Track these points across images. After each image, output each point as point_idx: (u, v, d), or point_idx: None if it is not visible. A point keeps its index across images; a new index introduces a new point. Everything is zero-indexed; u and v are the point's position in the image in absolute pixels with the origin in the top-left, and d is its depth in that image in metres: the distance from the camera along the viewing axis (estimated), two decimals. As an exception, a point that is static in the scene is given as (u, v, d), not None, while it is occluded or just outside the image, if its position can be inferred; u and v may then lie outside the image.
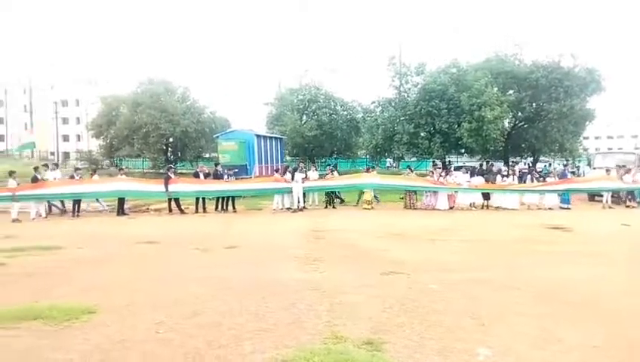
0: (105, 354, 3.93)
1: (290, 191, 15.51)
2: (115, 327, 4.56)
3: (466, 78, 23.58)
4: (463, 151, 26.94)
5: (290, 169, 16.87)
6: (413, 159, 29.50)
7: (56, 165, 18.59)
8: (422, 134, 25.10)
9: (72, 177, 15.40)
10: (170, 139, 32.94)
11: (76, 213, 14.21)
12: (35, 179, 14.31)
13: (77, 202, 14.37)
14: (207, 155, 35.95)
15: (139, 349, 4.02)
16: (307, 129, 30.46)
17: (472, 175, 16.86)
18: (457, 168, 20.09)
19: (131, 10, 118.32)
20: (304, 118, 32.91)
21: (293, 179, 15.43)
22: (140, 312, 5.05)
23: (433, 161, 25.59)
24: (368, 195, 16.03)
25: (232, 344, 4.11)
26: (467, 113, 22.42)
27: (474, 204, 16.19)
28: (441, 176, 16.60)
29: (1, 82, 63.37)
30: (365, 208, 15.76)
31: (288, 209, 15.60)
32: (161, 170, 33.42)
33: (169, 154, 34.47)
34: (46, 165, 16.42)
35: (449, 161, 29.04)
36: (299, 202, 15.42)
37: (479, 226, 12.51)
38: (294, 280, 6.38)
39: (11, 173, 14.00)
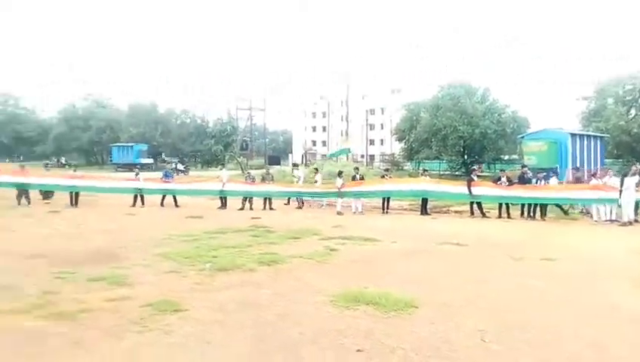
0: (434, 350, 3.99)
1: (615, 200, 12.93)
2: (440, 326, 4.61)
3: None
4: None
5: (610, 173, 14.23)
6: None
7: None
8: None
9: (382, 177, 17.27)
10: (468, 141, 32.76)
11: (386, 210, 15.68)
12: (353, 178, 16.68)
13: (387, 200, 15.87)
14: (506, 157, 34.24)
15: (466, 355, 3.92)
16: (637, 125, 25.03)
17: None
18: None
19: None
20: (632, 111, 27.19)
21: (622, 186, 12.78)
22: (459, 313, 5.00)
23: None
24: None
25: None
26: None
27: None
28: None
29: (326, 96, 77.76)
30: None
31: (613, 221, 13.06)
32: (457, 173, 33.93)
33: (466, 156, 34.41)
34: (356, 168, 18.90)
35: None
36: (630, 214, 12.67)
37: None
38: (629, 308, 5.18)
39: (340, 173, 16.69)
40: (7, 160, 65.30)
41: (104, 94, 65.53)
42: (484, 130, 30.76)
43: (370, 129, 69.39)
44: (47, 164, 38.24)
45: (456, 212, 16.19)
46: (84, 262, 7.28)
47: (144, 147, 50.99)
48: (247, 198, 16.19)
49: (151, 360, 3.87)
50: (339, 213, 15.03)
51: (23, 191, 15.54)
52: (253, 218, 13.26)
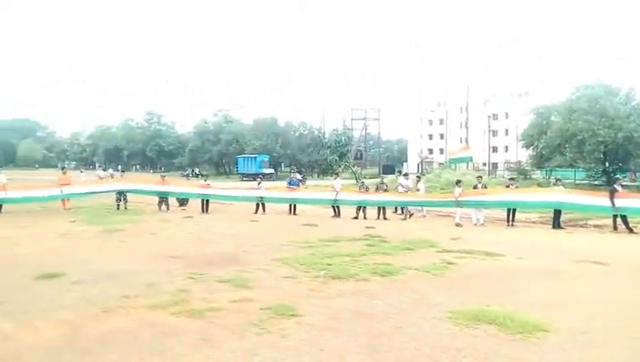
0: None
1: None
2: (573, 355, 4.09)
3: None
4: None
5: None
6: None
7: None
8: None
9: (507, 186, 16.09)
10: (610, 146, 29.01)
11: (511, 222, 14.52)
12: (474, 188, 15.76)
13: (512, 211, 14.70)
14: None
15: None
16: None
17: None
18: None
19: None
20: None
21: None
22: (597, 343, 4.40)
23: None
24: None
25: None
26: None
27: None
28: None
29: (444, 102, 75.12)
30: None
31: None
32: (596, 182, 30.20)
33: (607, 163, 30.52)
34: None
35: None
36: None
37: None
38: None
39: (458, 182, 15.92)
40: (150, 171, 74.47)
41: (232, 110, 71.44)
42: (630, 134, 26.99)
43: (493, 135, 65.38)
44: (188, 174, 42.65)
45: (595, 226, 14.39)
46: (212, 264, 7.90)
47: (266, 158, 54.26)
48: (362, 207, 16.24)
49: (268, 362, 4.01)
50: (457, 225, 14.31)
51: (163, 198, 17.50)
52: (367, 227, 13.24)
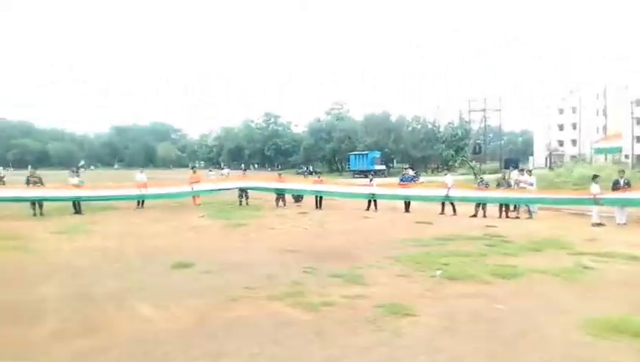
0: None
1: None
2: None
3: None
4: None
5: None
6: None
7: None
8: None
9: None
10: None
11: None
12: (615, 183, 13.79)
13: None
14: None
15: None
16: None
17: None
18: None
19: None
20: None
21: None
22: None
23: None
24: None
25: None
26: None
27: None
28: None
29: (577, 89, 67.40)
30: None
31: None
32: None
33: None
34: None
35: None
36: None
37: None
38: None
39: (595, 177, 14.14)
40: (269, 169, 78.86)
41: (344, 108, 72.43)
42: None
43: (637, 123, 57.31)
44: (304, 172, 44.38)
45: None
46: (326, 259, 8.05)
47: (377, 154, 54.07)
48: (480, 205, 15.31)
49: (383, 360, 3.94)
50: (595, 225, 12.75)
51: (280, 195, 18.36)
52: (487, 226, 12.43)
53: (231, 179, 21.95)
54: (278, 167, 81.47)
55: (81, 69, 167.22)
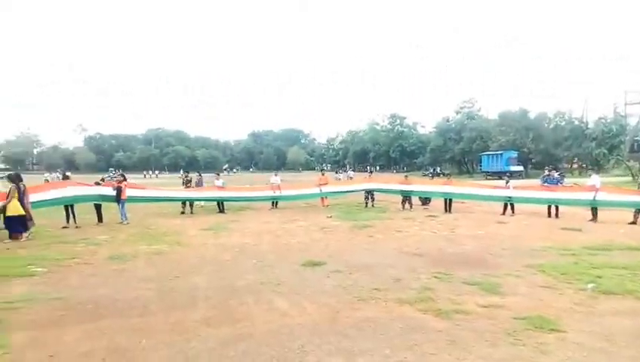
0: None
1: None
2: None
3: None
4: None
5: None
6: None
7: None
8: None
9: None
10: None
11: None
12: None
13: None
14: None
15: None
16: None
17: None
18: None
19: None
20: None
21: None
22: None
23: None
24: None
25: None
26: None
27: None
28: None
29: None
30: None
31: None
32: None
33: None
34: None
35: None
36: None
37: None
38: None
39: None
40: (394, 171, 78.19)
41: (475, 106, 68.60)
42: None
43: None
44: (430, 173, 43.21)
45: None
46: (457, 265, 7.69)
47: (513, 154, 50.18)
48: (641, 210, 13.25)
49: (525, 379, 3.61)
50: None
51: (406, 197, 18.07)
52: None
53: (357, 181, 22.26)
54: (403, 168, 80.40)
55: (226, 86, 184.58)
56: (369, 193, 18.75)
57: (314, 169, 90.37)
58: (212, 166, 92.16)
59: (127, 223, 13.60)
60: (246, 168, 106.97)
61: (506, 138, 53.78)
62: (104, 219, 13.98)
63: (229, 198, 18.01)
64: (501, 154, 50.65)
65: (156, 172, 78.03)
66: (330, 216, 15.19)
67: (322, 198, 19.01)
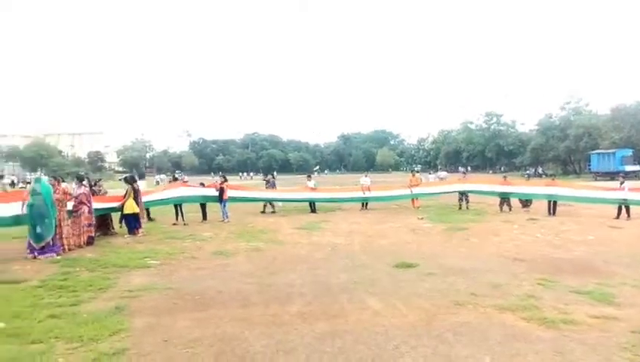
0: None
1: None
2: None
3: None
4: None
5: None
6: None
7: None
8: None
9: None
10: None
11: None
12: None
13: None
14: None
15: None
16: None
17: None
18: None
19: None
20: None
21: None
22: None
23: None
24: None
25: None
26: None
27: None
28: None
29: None
30: None
31: None
32: None
33: None
34: None
35: None
36: None
37: None
38: None
39: None
40: (489, 171, 74.20)
41: (581, 101, 62.82)
42: None
43: None
44: (530, 174, 40.44)
45: None
46: (563, 272, 7.14)
47: (628, 152, 45.12)
48: None
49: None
50: None
51: (504, 199, 17.09)
52: None
53: (450, 182, 21.51)
54: (500, 169, 76.01)
55: (316, 90, 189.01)
56: (463, 194, 18.04)
57: (403, 170, 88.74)
58: (303, 168, 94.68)
59: (228, 221, 14.51)
60: (335, 170, 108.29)
61: (620, 135, 48.49)
62: (208, 217, 15.04)
63: (321, 199, 18.41)
64: (614, 152, 45.75)
65: (251, 174, 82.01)
66: (422, 218, 14.87)
67: (413, 200, 18.67)
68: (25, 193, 9.32)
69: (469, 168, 74.11)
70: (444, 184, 21.58)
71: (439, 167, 75.60)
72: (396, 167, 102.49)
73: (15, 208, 8.90)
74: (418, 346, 4.23)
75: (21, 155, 79.64)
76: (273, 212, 17.45)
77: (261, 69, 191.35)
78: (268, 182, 20.02)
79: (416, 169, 38.21)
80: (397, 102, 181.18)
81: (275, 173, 22.27)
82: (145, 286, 6.55)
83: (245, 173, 79.77)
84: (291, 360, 4.01)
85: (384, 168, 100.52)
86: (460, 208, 17.63)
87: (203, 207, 15.27)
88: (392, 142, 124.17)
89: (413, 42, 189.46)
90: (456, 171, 46.46)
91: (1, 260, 8.36)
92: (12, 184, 38.63)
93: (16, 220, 9.04)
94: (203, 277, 7.24)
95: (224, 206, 15.04)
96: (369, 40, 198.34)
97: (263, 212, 17.45)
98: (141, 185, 16.88)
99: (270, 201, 17.88)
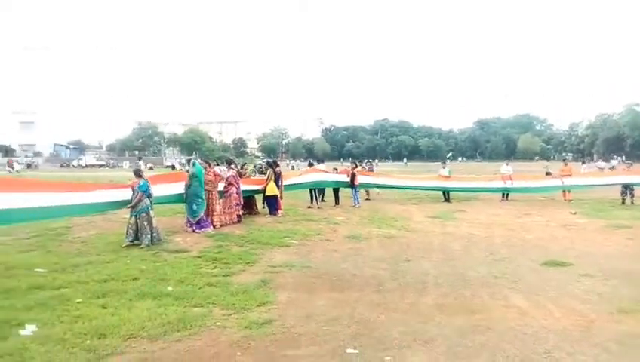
0: None
1: None
2: None
3: None
4: None
5: None
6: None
7: None
8: None
9: None
10: None
11: None
12: None
13: None
14: None
15: None
16: None
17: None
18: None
19: None
20: None
21: None
22: None
23: None
24: None
25: None
26: None
27: None
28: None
29: None
30: None
31: None
32: None
33: None
34: None
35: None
36: None
37: None
38: None
39: None
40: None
41: None
42: None
43: None
44: None
45: None
46: None
47: None
48: None
49: None
50: None
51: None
52: None
53: (609, 174, 18.84)
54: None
55: (450, 75, 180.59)
56: (627, 188, 15.66)
57: (550, 158, 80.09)
58: (434, 155, 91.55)
59: (359, 207, 14.72)
60: (470, 157, 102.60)
61: None
62: (340, 202, 15.44)
63: (456, 188, 17.60)
64: None
65: (376, 160, 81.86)
66: (575, 213, 13.30)
67: (564, 192, 16.80)
68: (185, 175, 10.55)
69: (623, 157, 64.02)
70: (602, 175, 18.98)
71: (596, 156, 66.59)
72: (543, 155, 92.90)
73: (179, 187, 10.14)
74: (575, 353, 3.79)
75: (180, 141, 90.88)
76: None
77: (392, 55, 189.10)
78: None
79: (567, 157, 34.30)
80: (543, 85, 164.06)
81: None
82: (286, 263, 6.97)
83: (371, 160, 79.67)
84: (431, 350, 3.91)
85: (527, 156, 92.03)
86: (624, 203, 15.37)
87: (336, 191, 15.68)
88: (537, 128, 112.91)
89: (552, 19, 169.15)
90: (607, 161, 39.75)
91: (168, 232, 9.61)
92: (172, 167, 44.35)
93: (180, 198, 10.29)
94: (338, 259, 7.46)
95: (355, 191, 15.27)
96: (506, 19, 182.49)
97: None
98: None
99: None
